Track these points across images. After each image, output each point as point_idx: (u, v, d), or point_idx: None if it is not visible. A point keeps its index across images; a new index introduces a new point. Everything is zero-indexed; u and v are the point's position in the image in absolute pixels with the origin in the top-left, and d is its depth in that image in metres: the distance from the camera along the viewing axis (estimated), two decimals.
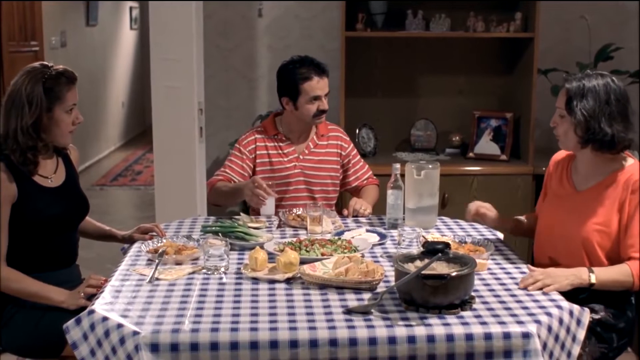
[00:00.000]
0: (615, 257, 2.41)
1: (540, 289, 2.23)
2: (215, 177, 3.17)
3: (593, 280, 2.32)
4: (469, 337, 1.92)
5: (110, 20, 9.85)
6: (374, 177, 3.40)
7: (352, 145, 3.36)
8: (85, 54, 8.51)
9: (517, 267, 2.44)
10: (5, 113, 2.46)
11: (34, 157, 2.49)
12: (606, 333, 2.38)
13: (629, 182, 2.40)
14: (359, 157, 3.38)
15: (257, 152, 3.19)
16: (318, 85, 3.10)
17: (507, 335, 1.93)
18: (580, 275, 2.32)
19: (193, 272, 2.38)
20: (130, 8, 10.93)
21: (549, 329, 2.01)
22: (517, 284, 2.28)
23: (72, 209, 2.63)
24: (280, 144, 3.21)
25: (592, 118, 2.39)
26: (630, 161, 2.48)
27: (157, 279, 2.31)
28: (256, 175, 3.06)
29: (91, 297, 2.27)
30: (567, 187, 2.58)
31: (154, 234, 2.76)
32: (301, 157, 3.21)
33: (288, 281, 2.29)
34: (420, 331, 1.92)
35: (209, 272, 2.37)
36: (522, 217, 2.87)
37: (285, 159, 3.18)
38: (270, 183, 2.97)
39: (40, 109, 2.44)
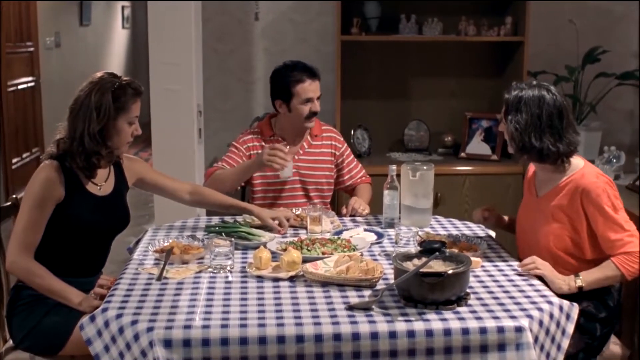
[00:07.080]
0: (580, 257, 2.53)
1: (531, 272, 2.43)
2: (213, 167, 3.24)
3: (580, 284, 2.45)
4: (465, 331, 2.02)
5: (103, 19, 9.89)
6: (367, 176, 3.49)
7: (345, 145, 3.44)
8: (79, 53, 8.55)
9: (508, 265, 2.55)
10: (73, 117, 2.52)
11: (97, 162, 2.55)
12: (589, 323, 2.50)
13: (578, 189, 2.48)
14: (352, 156, 3.47)
15: (252, 152, 3.26)
16: (310, 88, 3.20)
17: (501, 329, 2.03)
18: (569, 282, 2.45)
19: (200, 271, 2.46)
20: (122, 7, 10.96)
21: (540, 323, 2.12)
22: (509, 280, 2.39)
23: (113, 221, 2.67)
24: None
25: (523, 132, 2.48)
26: (575, 166, 2.55)
27: (165, 277, 2.40)
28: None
29: (102, 297, 2.35)
30: (532, 192, 2.69)
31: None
32: (296, 157, 3.28)
33: (291, 279, 2.38)
34: (419, 326, 2.02)
35: (215, 271, 2.45)
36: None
37: None
38: (285, 145, 3.05)
39: (107, 117, 2.51)
